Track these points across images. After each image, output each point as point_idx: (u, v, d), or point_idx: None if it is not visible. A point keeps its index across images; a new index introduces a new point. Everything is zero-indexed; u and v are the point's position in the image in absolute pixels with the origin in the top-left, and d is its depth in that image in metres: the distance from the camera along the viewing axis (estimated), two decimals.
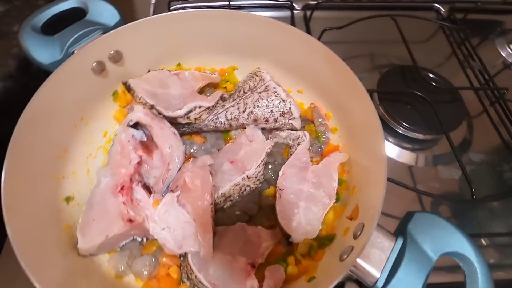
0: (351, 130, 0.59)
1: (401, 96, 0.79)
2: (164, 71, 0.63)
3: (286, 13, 0.96)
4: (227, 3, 0.91)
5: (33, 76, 0.66)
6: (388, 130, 0.78)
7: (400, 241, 0.38)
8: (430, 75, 0.84)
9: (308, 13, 0.95)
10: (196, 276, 0.47)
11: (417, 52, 0.84)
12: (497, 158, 0.75)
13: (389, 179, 0.56)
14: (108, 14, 0.61)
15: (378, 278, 0.36)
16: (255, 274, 0.48)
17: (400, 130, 0.76)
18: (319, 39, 0.88)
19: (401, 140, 0.76)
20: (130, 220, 0.48)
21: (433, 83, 0.81)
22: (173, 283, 0.50)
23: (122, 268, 0.49)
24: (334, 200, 0.54)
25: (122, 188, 0.51)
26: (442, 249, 0.37)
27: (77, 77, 0.53)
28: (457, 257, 0.37)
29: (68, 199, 0.51)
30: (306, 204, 0.54)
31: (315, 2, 0.95)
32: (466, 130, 0.80)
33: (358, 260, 0.37)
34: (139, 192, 0.54)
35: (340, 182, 0.56)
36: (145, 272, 0.49)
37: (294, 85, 0.67)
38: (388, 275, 0.36)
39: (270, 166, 0.59)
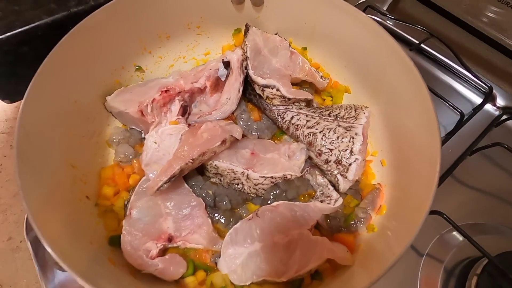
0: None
1: None
2: (286, 42, 0.60)
3: (474, 97, 0.74)
4: (416, 42, 0.76)
5: None
6: None
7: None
8: None
9: (502, 114, 0.70)
10: (131, 196, 0.48)
11: None
12: None
13: None
14: None
15: None
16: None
17: None
18: (487, 146, 0.65)
19: None
20: (141, 112, 0.52)
21: None
22: (124, 183, 0.51)
23: (114, 140, 0.54)
24: (284, 280, 0.41)
25: (166, 91, 0.55)
26: None
27: None
28: None
29: (138, 68, 0.59)
30: (258, 253, 0.43)
31: None
32: None
33: None
34: (176, 106, 0.56)
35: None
36: (119, 157, 0.53)
37: (384, 150, 0.52)
38: None
39: (277, 191, 0.50)
